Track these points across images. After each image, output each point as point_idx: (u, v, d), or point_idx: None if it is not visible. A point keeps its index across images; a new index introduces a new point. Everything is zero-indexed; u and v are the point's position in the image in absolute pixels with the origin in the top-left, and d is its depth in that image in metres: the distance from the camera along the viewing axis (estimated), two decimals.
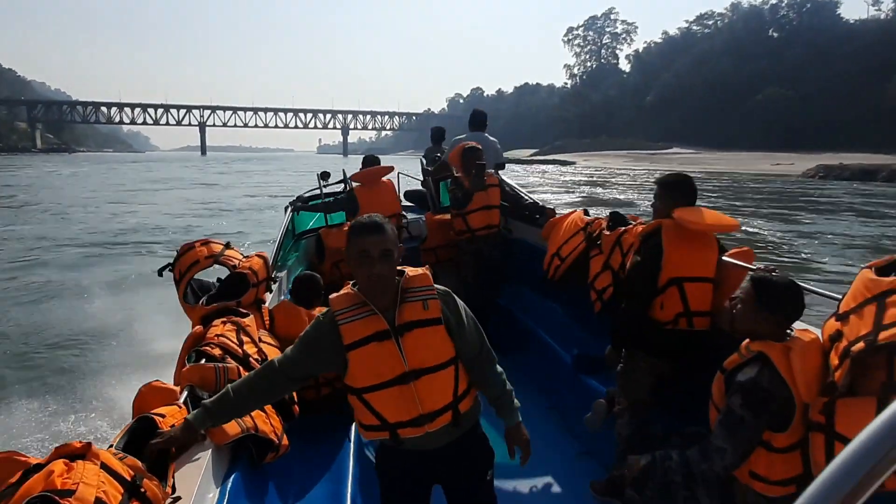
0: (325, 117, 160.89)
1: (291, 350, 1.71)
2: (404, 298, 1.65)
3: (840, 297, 1.83)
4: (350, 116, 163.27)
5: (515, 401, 1.83)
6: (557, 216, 3.96)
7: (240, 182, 35.17)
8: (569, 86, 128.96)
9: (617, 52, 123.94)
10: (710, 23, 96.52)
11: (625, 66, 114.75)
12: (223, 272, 3.22)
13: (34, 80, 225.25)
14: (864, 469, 0.40)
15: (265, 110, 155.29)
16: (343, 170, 5.19)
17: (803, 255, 11.89)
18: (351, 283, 1.69)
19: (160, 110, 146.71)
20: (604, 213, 3.60)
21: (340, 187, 5.23)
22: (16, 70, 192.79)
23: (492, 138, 5.08)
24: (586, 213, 3.70)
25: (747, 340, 1.88)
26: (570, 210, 3.87)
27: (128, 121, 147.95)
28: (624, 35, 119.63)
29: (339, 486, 2.34)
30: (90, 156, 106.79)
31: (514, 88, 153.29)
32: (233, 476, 1.92)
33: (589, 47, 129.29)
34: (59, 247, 12.54)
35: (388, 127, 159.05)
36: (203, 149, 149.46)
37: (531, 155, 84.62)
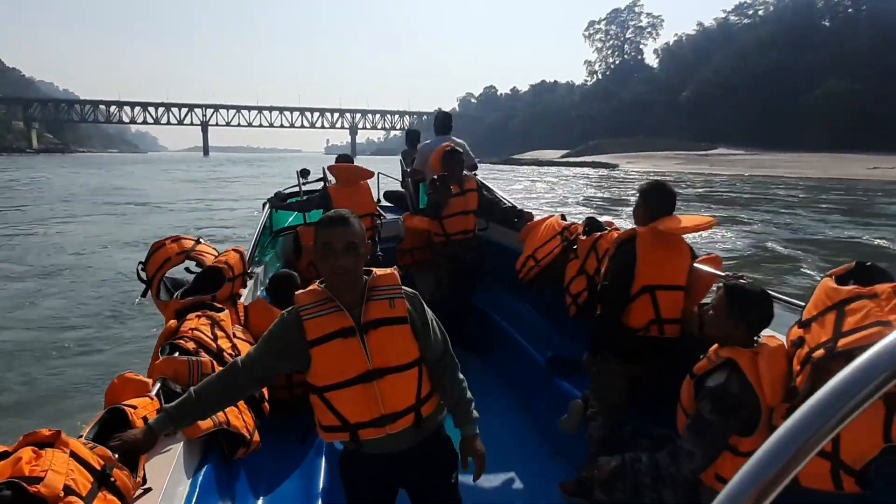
0: (332, 116, 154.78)
1: (255, 349, 1.73)
2: (371, 296, 1.67)
3: (804, 304, 1.93)
4: (359, 116, 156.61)
5: (475, 411, 1.83)
6: (535, 220, 4.05)
7: (213, 191, 31.27)
8: (590, 83, 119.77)
9: (641, 46, 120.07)
10: (751, 13, 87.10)
11: (652, 61, 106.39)
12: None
13: (42, 81, 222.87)
14: (777, 464, 0.42)
15: (270, 109, 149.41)
16: (323, 168, 5.03)
17: None
18: (319, 281, 1.71)
19: (161, 109, 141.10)
20: (580, 218, 3.67)
21: (320, 185, 5.11)
22: (20, 69, 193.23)
23: (459, 140, 5.11)
24: (563, 217, 3.82)
25: (716, 346, 1.97)
26: (548, 214, 3.95)
27: (127, 120, 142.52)
28: (649, 29, 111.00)
29: (309, 483, 2.40)
30: (87, 157, 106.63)
31: (529, 87, 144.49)
32: (204, 469, 1.98)
33: (611, 42, 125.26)
34: None
35: (398, 126, 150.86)
36: (205, 149, 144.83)
37: (563, 156, 75.83)
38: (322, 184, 5.08)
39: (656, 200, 2.57)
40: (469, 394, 1.83)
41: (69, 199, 24.03)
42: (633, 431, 2.37)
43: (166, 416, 1.71)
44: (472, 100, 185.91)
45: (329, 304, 1.66)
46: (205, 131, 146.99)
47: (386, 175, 6.73)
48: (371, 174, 4.89)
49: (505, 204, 4.57)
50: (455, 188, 4.20)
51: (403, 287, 1.73)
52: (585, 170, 55.59)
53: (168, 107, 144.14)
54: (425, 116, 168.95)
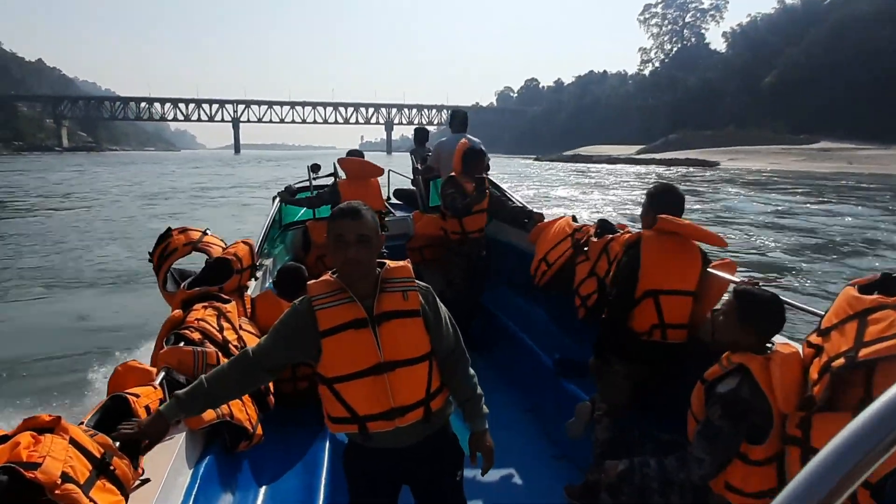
0: (367, 111, 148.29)
1: (266, 339, 1.76)
2: (384, 288, 1.70)
3: (823, 313, 1.93)
4: (394, 110, 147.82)
5: (484, 407, 1.88)
6: (546, 220, 4.08)
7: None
8: (645, 72, 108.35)
9: (703, 30, 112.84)
10: None
11: (719, 44, 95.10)
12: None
13: (85, 81, 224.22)
14: (836, 476, 0.41)
15: (303, 104, 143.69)
16: (334, 162, 5.21)
17: None
18: (331, 272, 1.74)
19: (191, 105, 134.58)
20: (591, 219, 3.68)
21: (331, 180, 5.25)
22: (61, 69, 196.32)
23: (475, 139, 5.04)
24: (574, 219, 3.87)
25: (728, 352, 1.97)
26: (559, 216, 3.99)
27: (157, 116, 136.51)
28: (712, 11, 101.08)
29: (312, 478, 2.44)
30: (111, 155, 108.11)
31: (575, 78, 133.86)
32: (205, 461, 2.02)
33: (669, 27, 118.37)
34: None
35: (435, 121, 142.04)
36: (237, 147, 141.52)
37: (640, 152, 65.29)
38: (332, 179, 5.19)
39: (664, 203, 2.59)
40: (479, 389, 1.88)
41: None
42: (640, 435, 2.38)
43: (176, 403, 1.74)
44: (511, 93, 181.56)
45: (342, 294, 1.69)
46: (236, 128, 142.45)
47: (396, 172, 6.85)
48: (381, 171, 5.01)
49: (514, 203, 4.61)
50: (472, 186, 4.25)
51: (417, 280, 1.76)
52: (680, 168, 48.21)
53: (199, 103, 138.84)
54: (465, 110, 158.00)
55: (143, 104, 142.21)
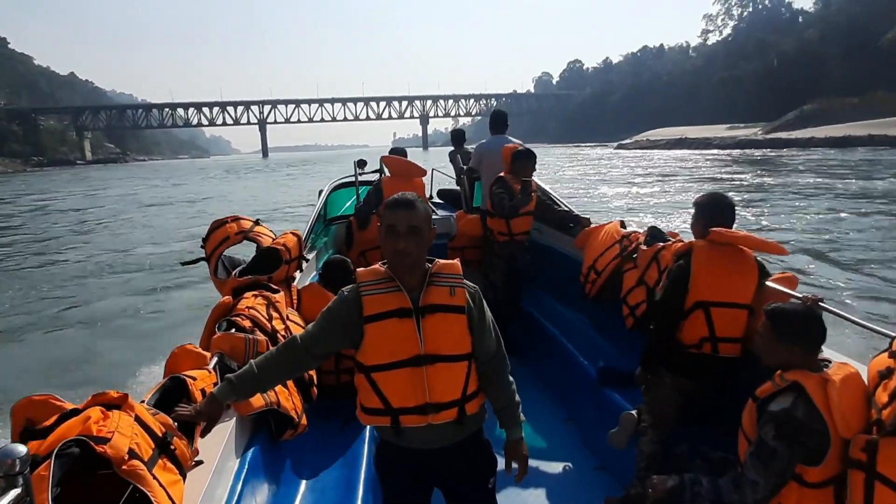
0: (400, 105, 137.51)
1: (313, 326, 1.84)
2: (432, 281, 1.76)
3: (893, 334, 1.93)
4: (429, 102, 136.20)
5: (521, 415, 1.94)
6: (593, 226, 4.12)
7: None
8: (711, 41, 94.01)
9: None
10: None
11: (805, 3, 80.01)
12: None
13: (122, 93, 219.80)
14: None
15: (332, 101, 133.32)
16: (380, 159, 5.28)
17: None
18: (381, 262, 1.81)
19: (215, 109, 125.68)
20: (641, 227, 3.74)
21: (376, 176, 5.44)
22: (94, 81, 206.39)
23: (516, 140, 5.04)
24: (623, 224, 3.89)
25: (780, 370, 1.97)
26: (606, 221, 4.00)
27: (181, 123, 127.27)
28: None
29: (352, 472, 2.55)
30: (133, 167, 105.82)
31: (628, 55, 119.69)
32: (252, 448, 2.16)
33: None
34: None
35: (473, 112, 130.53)
36: (264, 150, 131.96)
37: (770, 131, 51.61)
38: (378, 175, 5.35)
39: (714, 213, 2.62)
40: (517, 397, 1.93)
41: None
42: (688, 451, 2.38)
43: (229, 385, 1.83)
44: (552, 79, 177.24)
45: (390, 283, 1.75)
46: (263, 130, 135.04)
47: (440, 171, 6.91)
48: (424, 172, 5.11)
49: (561, 207, 4.66)
50: (519, 188, 4.36)
51: (465, 280, 1.81)
52: (849, 155, 36.14)
53: (223, 106, 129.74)
54: (504, 99, 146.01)
55: (166, 110, 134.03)
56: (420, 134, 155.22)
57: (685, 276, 2.55)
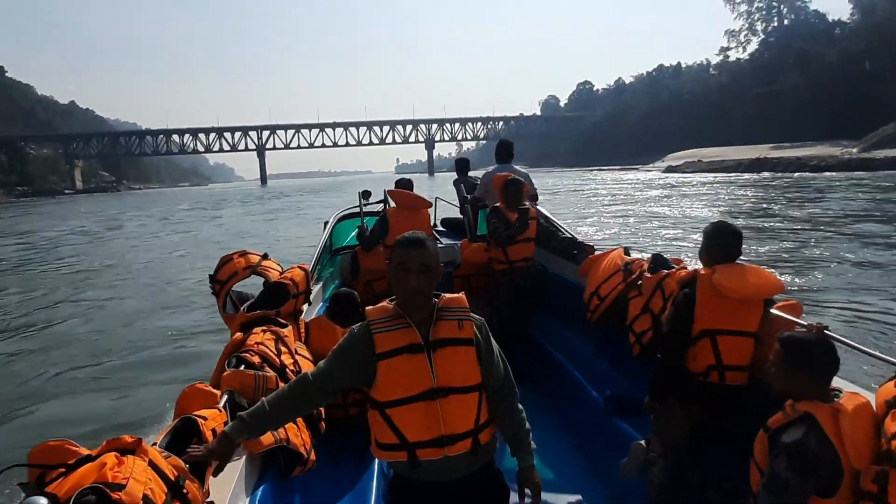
0: (404, 129, 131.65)
1: (325, 363, 1.93)
2: (440, 316, 1.86)
3: None
4: (435, 126, 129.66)
5: (532, 443, 2.02)
6: (597, 253, 4.25)
7: None
8: (734, 58, 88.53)
9: (803, 4, 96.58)
10: None
11: (842, 13, 74.17)
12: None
13: (126, 121, 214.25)
14: None
15: (333, 126, 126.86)
16: (385, 190, 5.56)
17: None
18: (389, 299, 1.92)
19: (212, 135, 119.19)
20: (645, 254, 3.83)
21: (380, 206, 5.72)
22: (94, 110, 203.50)
23: (522, 170, 5.45)
24: (627, 252, 3.95)
25: (792, 400, 2.02)
26: (610, 248, 4.09)
27: (176, 150, 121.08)
28: None
29: None
30: (133, 194, 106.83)
31: (640, 75, 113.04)
32: (262, 486, 2.22)
33: (765, 2, 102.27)
34: None
35: (481, 135, 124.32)
36: (263, 177, 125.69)
37: (864, 149, 44.15)
38: (382, 206, 5.58)
39: (719, 242, 2.69)
40: (527, 424, 2.02)
41: None
42: (700, 481, 2.43)
43: (241, 424, 1.89)
44: (558, 102, 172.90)
45: (399, 319, 1.84)
46: (261, 157, 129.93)
47: (444, 200, 7.08)
48: (430, 204, 5.36)
49: (564, 234, 4.82)
50: (514, 216, 4.53)
51: (471, 313, 1.92)
52: None
53: (220, 132, 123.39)
54: (512, 122, 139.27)
55: (160, 137, 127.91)
56: (425, 159, 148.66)
57: (691, 304, 2.62)
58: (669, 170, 63.46)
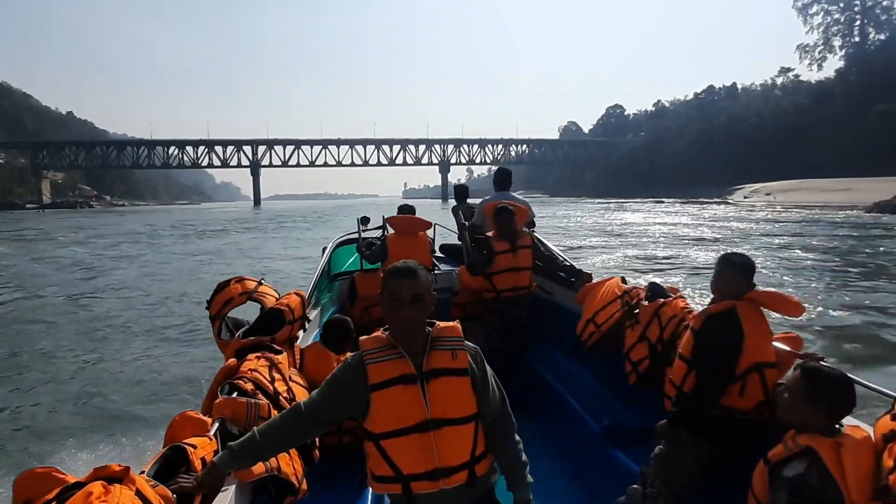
0: (416, 149, 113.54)
1: (317, 393, 1.98)
2: (434, 346, 1.92)
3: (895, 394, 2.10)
4: (451, 147, 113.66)
5: (529, 476, 2.05)
6: (594, 281, 4.34)
7: None
8: (804, 77, 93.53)
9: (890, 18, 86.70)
10: None
11: None
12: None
13: (124, 134, 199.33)
14: None
15: (338, 143, 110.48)
16: (383, 216, 5.67)
17: None
18: (383, 328, 1.99)
19: (201, 148, 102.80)
20: (642, 282, 3.94)
21: (380, 233, 5.92)
22: (93, 122, 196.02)
23: (519, 198, 5.59)
24: (624, 281, 4.10)
25: (792, 431, 2.05)
26: (608, 276, 4.16)
27: (159, 163, 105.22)
28: None
29: None
30: (106, 212, 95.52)
31: (685, 97, 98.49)
32: None
33: (846, 14, 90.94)
34: None
35: (500, 158, 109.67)
36: (256, 197, 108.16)
37: None
38: (382, 233, 5.75)
39: (745, 271, 2.72)
40: (524, 457, 2.06)
41: None
42: None
43: (230, 455, 1.94)
44: (579, 128, 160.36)
45: (392, 350, 1.91)
46: (255, 174, 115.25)
47: (443, 227, 6.88)
48: (429, 224, 5.42)
49: (562, 262, 4.84)
50: (504, 245, 4.64)
51: (466, 341, 1.98)
52: None
53: (210, 145, 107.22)
54: (530, 146, 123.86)
55: (142, 149, 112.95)
56: (433, 184, 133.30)
57: (738, 337, 2.58)
58: (769, 205, 52.59)
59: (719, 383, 2.56)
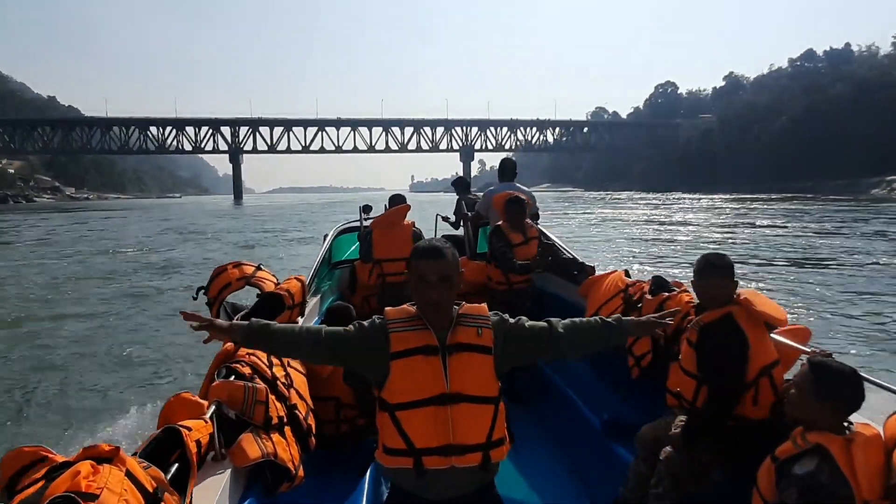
0: (433, 132, 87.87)
1: (341, 329, 2.04)
2: (460, 322, 2.00)
3: None
4: (475, 130, 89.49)
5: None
6: (597, 274, 4.55)
7: None
8: None
9: None
10: None
11: None
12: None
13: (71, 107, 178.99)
14: None
15: (337, 123, 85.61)
16: (385, 205, 5.69)
17: None
18: (410, 303, 2.08)
19: (168, 128, 78.98)
20: (646, 276, 4.13)
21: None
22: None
23: (525, 189, 5.61)
24: (627, 274, 4.31)
25: (801, 428, 2.14)
26: (611, 270, 4.30)
27: (116, 147, 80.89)
28: None
29: None
30: (56, 208, 76.83)
31: (786, 63, 72.75)
32: (247, 502, 2.34)
33: None
34: None
35: (534, 142, 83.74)
36: (236, 191, 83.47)
37: None
38: (360, 228, 5.91)
39: (731, 273, 2.81)
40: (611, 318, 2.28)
41: None
42: None
43: (247, 328, 2.02)
44: (606, 115, 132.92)
45: (417, 321, 1.99)
46: (235, 161, 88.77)
47: (443, 218, 6.98)
48: (406, 208, 5.33)
49: (565, 254, 4.96)
50: (519, 237, 4.90)
51: (490, 314, 2.13)
52: None
53: (179, 125, 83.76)
54: (576, 129, 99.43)
55: (94, 128, 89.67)
56: (441, 177, 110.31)
57: (745, 345, 2.62)
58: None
59: (733, 398, 2.61)
